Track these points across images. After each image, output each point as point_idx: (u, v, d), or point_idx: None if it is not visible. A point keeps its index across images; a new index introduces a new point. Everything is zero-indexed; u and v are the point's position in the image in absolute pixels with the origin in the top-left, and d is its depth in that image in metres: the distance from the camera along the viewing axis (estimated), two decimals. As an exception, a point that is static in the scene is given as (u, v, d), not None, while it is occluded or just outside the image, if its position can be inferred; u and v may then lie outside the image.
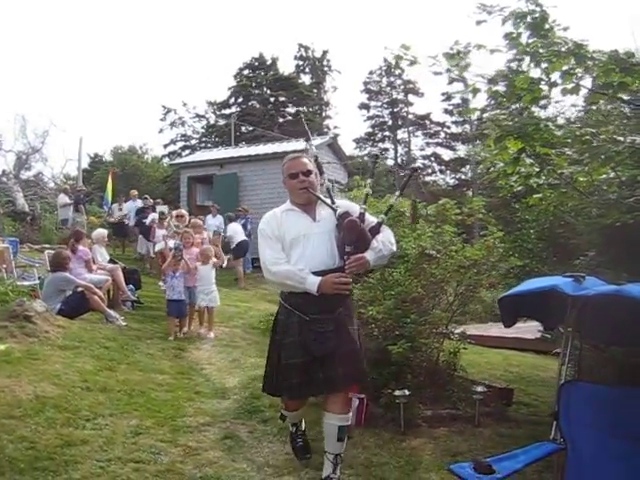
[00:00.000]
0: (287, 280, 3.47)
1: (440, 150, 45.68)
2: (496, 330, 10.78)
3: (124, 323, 8.42)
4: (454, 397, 5.48)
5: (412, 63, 4.33)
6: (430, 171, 44.99)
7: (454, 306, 5.97)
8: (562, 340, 3.22)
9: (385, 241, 3.59)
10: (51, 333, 6.94)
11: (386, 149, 47.02)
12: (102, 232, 11.32)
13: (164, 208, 16.22)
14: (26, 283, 9.20)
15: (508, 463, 2.66)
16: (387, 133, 47.06)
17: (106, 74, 74.26)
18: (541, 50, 3.82)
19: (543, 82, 4.10)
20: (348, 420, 3.65)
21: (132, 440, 4.42)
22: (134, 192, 18.18)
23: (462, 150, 44.36)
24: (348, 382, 3.55)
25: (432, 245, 5.65)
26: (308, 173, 3.62)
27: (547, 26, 4.02)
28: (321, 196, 3.70)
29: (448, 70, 4.35)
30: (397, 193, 3.99)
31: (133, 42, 74.89)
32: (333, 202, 3.66)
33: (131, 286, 10.13)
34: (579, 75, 3.90)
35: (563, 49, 3.76)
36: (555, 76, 4.09)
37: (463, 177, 43.02)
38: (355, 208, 3.65)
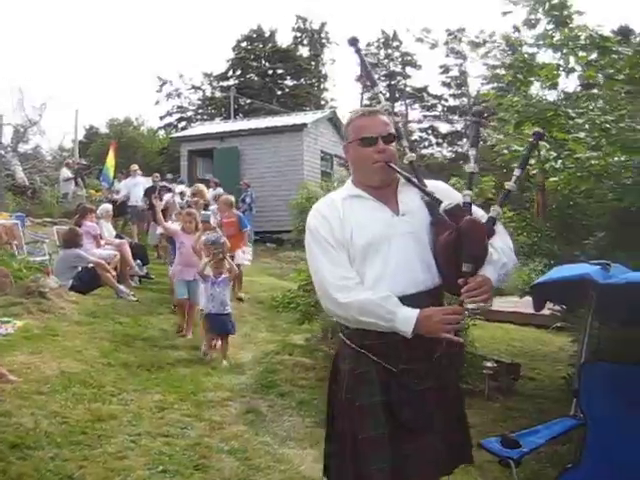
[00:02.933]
0: (364, 317, 2.13)
1: (437, 123, 45.74)
2: (495, 304, 10.94)
3: (134, 298, 8.56)
4: (464, 372, 5.65)
5: (433, 46, 4.42)
6: (427, 144, 45.07)
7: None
8: (580, 320, 3.38)
9: (505, 248, 2.27)
10: (66, 309, 7.10)
11: (383, 122, 46.98)
12: (107, 207, 11.37)
13: (183, 187, 14.53)
14: (38, 259, 9.28)
15: (532, 438, 2.84)
16: (384, 105, 46.91)
17: (101, 45, 73.93)
18: (569, 43, 3.88)
19: (561, 68, 4.20)
20: None
21: (158, 415, 4.58)
22: (134, 167, 15.43)
23: (459, 123, 44.40)
24: (455, 463, 2.30)
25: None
26: (390, 139, 2.29)
27: (566, 12, 4.10)
28: (410, 177, 2.32)
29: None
30: (517, 172, 2.34)
31: (129, 12, 73.63)
32: (424, 185, 2.31)
33: (138, 261, 10.23)
34: (601, 65, 3.99)
35: (584, 39, 3.83)
36: (573, 61, 4.19)
37: (459, 150, 43.03)
38: (455, 195, 2.31)
